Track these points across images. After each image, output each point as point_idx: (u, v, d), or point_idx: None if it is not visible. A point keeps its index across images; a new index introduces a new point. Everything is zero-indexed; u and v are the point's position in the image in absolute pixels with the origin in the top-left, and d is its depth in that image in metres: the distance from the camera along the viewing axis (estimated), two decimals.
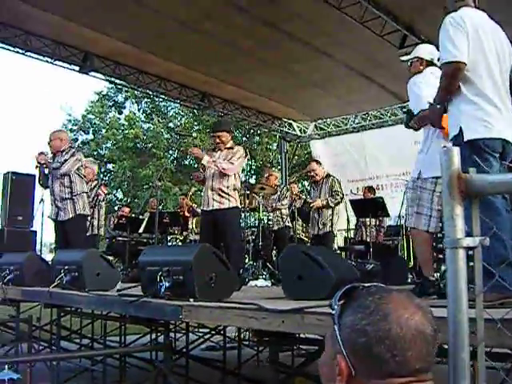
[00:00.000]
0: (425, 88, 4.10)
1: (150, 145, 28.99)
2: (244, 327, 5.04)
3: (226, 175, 6.54)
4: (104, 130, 30.60)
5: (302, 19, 9.41)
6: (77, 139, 30.91)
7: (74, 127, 30.94)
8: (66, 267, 4.86)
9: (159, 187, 9.65)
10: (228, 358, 6.37)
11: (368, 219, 9.86)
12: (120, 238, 10.21)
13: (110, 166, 31.05)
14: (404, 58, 4.65)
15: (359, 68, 11.39)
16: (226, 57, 10.99)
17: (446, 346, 1.36)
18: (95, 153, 29.94)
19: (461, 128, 3.31)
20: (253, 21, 9.59)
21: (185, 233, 10.79)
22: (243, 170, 24.10)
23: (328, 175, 8.86)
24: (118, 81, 13.31)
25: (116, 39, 10.56)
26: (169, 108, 30.98)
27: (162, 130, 29.61)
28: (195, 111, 25.16)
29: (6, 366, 2.80)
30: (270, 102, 14.07)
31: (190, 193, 12.59)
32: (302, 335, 3.49)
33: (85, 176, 7.61)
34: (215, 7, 9.16)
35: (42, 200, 8.07)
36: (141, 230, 10.22)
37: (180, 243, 10.14)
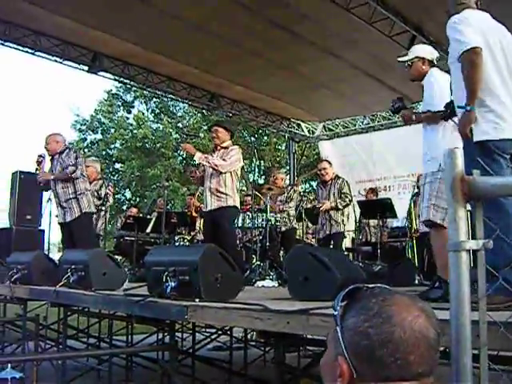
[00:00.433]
0: (437, 89, 4.09)
1: (158, 145, 29.01)
2: (249, 328, 5.03)
3: (221, 175, 6.55)
4: (113, 130, 30.65)
5: (310, 20, 9.40)
6: (85, 139, 31.01)
7: (83, 127, 31.01)
8: (73, 266, 4.88)
9: (167, 187, 9.67)
10: (234, 359, 6.37)
11: (371, 220, 9.86)
12: (127, 238, 10.23)
13: (118, 165, 31.12)
14: (403, 58, 4.49)
15: (368, 69, 11.37)
16: (235, 57, 10.99)
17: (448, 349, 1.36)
18: (104, 152, 30.05)
19: (470, 128, 3.29)
20: (262, 22, 9.59)
21: (192, 233, 10.79)
22: (251, 171, 24.21)
23: (337, 176, 8.83)
24: (126, 81, 13.35)
25: (125, 40, 10.60)
26: (177, 108, 31.02)
27: (171, 130, 29.63)
28: (204, 111, 25.17)
29: (9, 365, 2.81)
30: (278, 102, 14.06)
31: (198, 193, 12.57)
32: (308, 336, 3.48)
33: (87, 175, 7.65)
34: (224, 8, 9.16)
35: (49, 199, 8.08)
36: (148, 230, 10.24)
37: (187, 243, 10.15)
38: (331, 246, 8.39)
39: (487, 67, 3.30)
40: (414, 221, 9.03)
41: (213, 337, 7.18)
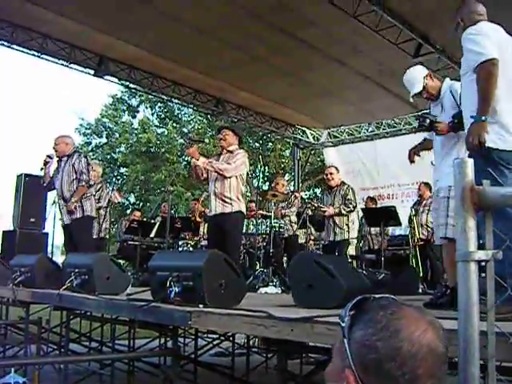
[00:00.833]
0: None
1: (163, 149, 29.05)
2: (253, 335, 5.01)
3: (226, 179, 6.51)
4: (117, 134, 30.70)
5: (316, 27, 9.41)
6: (90, 143, 31.05)
7: (88, 131, 31.07)
8: (77, 270, 4.87)
9: (171, 192, 9.66)
10: (236, 365, 6.37)
11: (373, 228, 9.86)
12: (131, 242, 10.24)
13: (123, 169, 31.16)
14: (415, 91, 4.44)
15: (373, 76, 11.38)
16: (241, 63, 11.00)
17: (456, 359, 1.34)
18: (108, 156, 30.10)
19: (479, 140, 3.30)
20: (268, 28, 9.60)
21: (196, 238, 10.80)
22: (256, 177, 24.20)
23: (343, 183, 8.83)
24: (132, 85, 13.38)
25: (131, 44, 10.62)
26: (182, 113, 31.06)
27: (176, 135, 29.67)
28: (209, 117, 25.21)
29: (12, 370, 2.80)
30: (283, 108, 14.07)
31: (202, 198, 12.57)
32: (310, 343, 3.47)
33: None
34: (230, 14, 9.19)
35: (54, 202, 8.09)
36: (152, 235, 10.24)
37: (191, 248, 10.15)
38: (336, 254, 8.38)
39: (499, 80, 3.31)
40: (416, 229, 9.03)
41: (215, 342, 7.17)
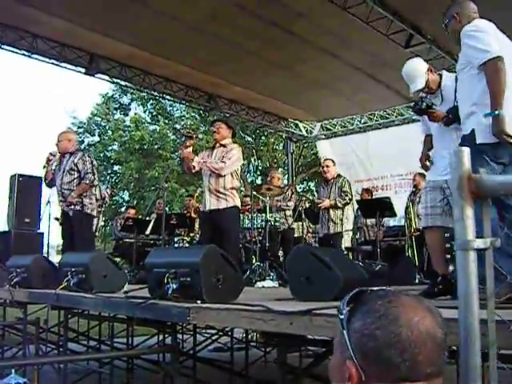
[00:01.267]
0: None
1: (156, 146, 28.99)
2: (252, 329, 5.02)
3: (220, 175, 6.51)
4: (110, 132, 30.62)
5: (307, 19, 9.40)
6: (83, 141, 30.95)
7: (80, 129, 30.96)
8: (73, 269, 4.86)
9: (166, 189, 9.65)
10: (235, 359, 6.38)
11: (369, 220, 9.87)
12: (127, 240, 10.23)
13: (116, 167, 31.08)
14: (417, 88, 4.39)
15: (365, 68, 11.37)
16: (232, 58, 10.99)
17: (454, 348, 1.35)
18: (101, 154, 29.99)
19: (473, 129, 3.32)
20: (259, 21, 9.57)
21: (191, 234, 10.79)
22: (250, 171, 24.20)
23: (339, 175, 8.87)
24: (124, 82, 13.34)
25: (121, 42, 10.58)
26: (175, 109, 30.99)
27: (168, 132, 29.61)
28: (201, 112, 25.16)
29: (13, 370, 2.80)
30: (276, 102, 14.06)
31: (197, 194, 12.58)
32: (309, 336, 3.48)
33: None
34: (221, 8, 9.16)
35: (48, 202, 8.08)
36: (148, 232, 10.23)
37: (187, 244, 10.14)
38: (331, 246, 8.39)
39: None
40: (412, 220, 9.03)
41: (213, 338, 7.17)
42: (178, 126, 30.03)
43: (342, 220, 8.51)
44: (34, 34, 10.33)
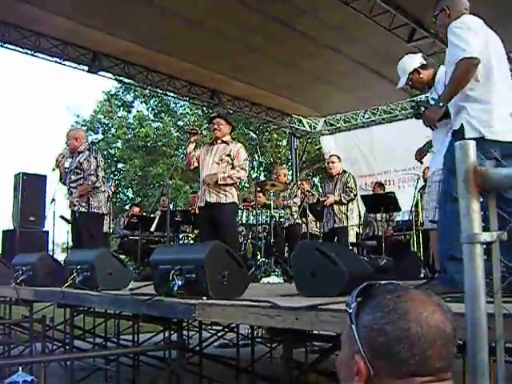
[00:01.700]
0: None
1: (160, 143, 29.00)
2: (257, 325, 5.02)
3: (219, 169, 6.54)
4: (114, 130, 30.64)
5: (309, 14, 9.38)
6: (86, 140, 30.94)
7: (83, 127, 30.97)
8: (79, 267, 4.86)
9: (170, 186, 9.65)
10: (241, 356, 6.38)
11: (378, 214, 9.83)
12: (132, 237, 10.24)
13: (120, 165, 31.11)
14: (400, 85, 4.67)
15: (368, 63, 11.35)
16: (235, 54, 10.98)
17: (460, 342, 1.34)
18: (105, 152, 30.04)
19: (462, 124, 3.33)
20: (262, 17, 9.56)
21: (196, 231, 10.78)
22: (253, 167, 24.16)
23: (344, 171, 8.88)
24: (127, 80, 13.35)
25: (124, 39, 10.58)
26: (178, 106, 30.98)
27: (172, 129, 29.61)
28: (204, 109, 25.14)
29: (20, 368, 2.80)
30: (279, 98, 14.04)
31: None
32: (314, 331, 3.48)
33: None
34: (222, 4, 9.14)
35: (53, 200, 8.09)
36: (152, 229, 10.23)
37: (192, 241, 10.15)
38: (335, 241, 8.40)
39: (486, 68, 3.37)
40: (420, 214, 9.01)
41: (219, 334, 7.18)
42: (181, 123, 30.03)
43: (346, 214, 8.53)
44: (36, 33, 10.34)
